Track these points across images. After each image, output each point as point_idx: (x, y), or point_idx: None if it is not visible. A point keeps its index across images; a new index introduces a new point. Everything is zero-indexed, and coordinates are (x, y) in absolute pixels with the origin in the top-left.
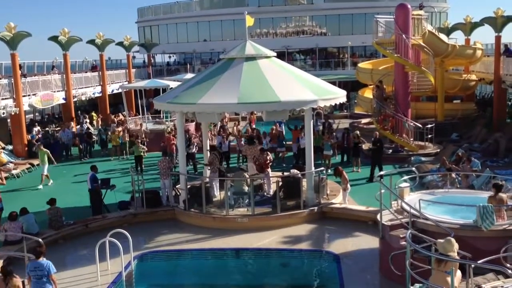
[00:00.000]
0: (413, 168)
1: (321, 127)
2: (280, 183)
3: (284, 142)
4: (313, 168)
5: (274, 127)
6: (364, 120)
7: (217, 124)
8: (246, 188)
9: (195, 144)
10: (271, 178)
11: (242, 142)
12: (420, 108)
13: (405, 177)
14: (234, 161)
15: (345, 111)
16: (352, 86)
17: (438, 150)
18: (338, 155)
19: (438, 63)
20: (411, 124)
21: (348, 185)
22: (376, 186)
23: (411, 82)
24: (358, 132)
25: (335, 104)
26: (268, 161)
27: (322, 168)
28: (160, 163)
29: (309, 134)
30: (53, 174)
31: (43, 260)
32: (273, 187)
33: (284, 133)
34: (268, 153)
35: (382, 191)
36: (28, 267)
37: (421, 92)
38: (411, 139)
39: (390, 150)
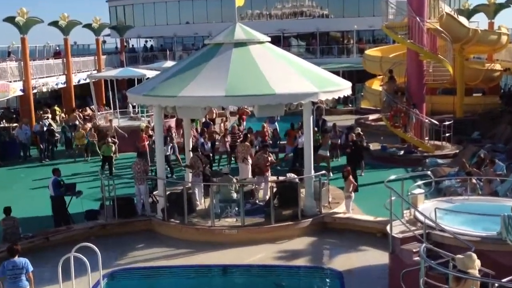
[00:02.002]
0: (428, 172)
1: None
2: (275, 189)
3: (278, 142)
4: (312, 171)
5: (264, 124)
6: (372, 116)
7: (209, 122)
8: (234, 195)
9: (170, 145)
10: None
11: (227, 142)
12: (437, 103)
13: (419, 182)
14: (221, 163)
15: (350, 105)
16: (358, 77)
17: (457, 151)
18: (341, 156)
19: (457, 50)
20: (426, 120)
21: (352, 192)
22: (385, 193)
23: (426, 73)
24: (359, 129)
25: (339, 98)
26: (269, 163)
27: (324, 172)
28: (134, 166)
29: (308, 132)
30: (8, 179)
31: (19, 258)
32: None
33: (278, 130)
34: (270, 153)
35: (392, 198)
36: (5, 266)
37: (438, 84)
38: (426, 138)
39: (402, 151)
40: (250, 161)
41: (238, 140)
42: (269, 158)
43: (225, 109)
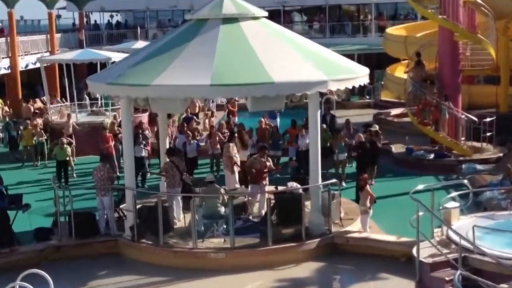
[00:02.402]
0: (465, 181)
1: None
2: (273, 202)
3: (281, 143)
4: (320, 179)
5: (263, 119)
6: (394, 111)
7: (190, 117)
8: (222, 209)
9: (143, 143)
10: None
11: (215, 143)
12: (475, 94)
13: (453, 194)
14: (205, 170)
15: (367, 97)
16: (377, 61)
17: (501, 154)
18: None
19: (501, 29)
20: (462, 116)
21: (371, 206)
22: (410, 207)
23: (463, 56)
24: (376, 127)
25: (353, 88)
26: (267, 169)
27: (334, 181)
28: (96, 173)
29: (315, 130)
30: None
31: None
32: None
33: (278, 129)
34: (269, 158)
35: (420, 213)
36: None
37: (477, 71)
38: (462, 139)
39: (432, 155)
40: (236, 168)
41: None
42: (267, 163)
43: (212, 101)
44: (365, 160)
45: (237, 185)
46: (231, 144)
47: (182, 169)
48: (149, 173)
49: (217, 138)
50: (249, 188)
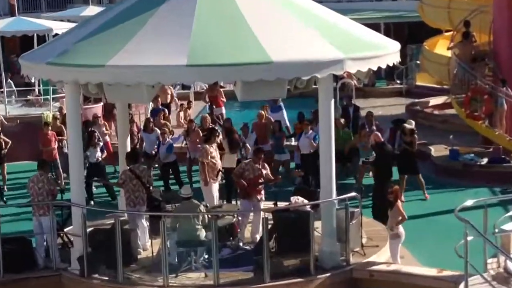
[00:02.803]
0: None
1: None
2: (271, 223)
3: (285, 143)
4: (334, 193)
5: (262, 112)
6: (434, 100)
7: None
8: (203, 233)
9: (99, 145)
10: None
11: (196, 142)
12: None
13: None
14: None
15: (398, 81)
16: (410, 34)
17: None
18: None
19: None
20: None
21: (401, 228)
22: (455, 229)
23: None
24: (412, 124)
25: (379, 69)
26: (262, 180)
27: (354, 194)
28: (32, 185)
29: (327, 127)
30: None
31: None
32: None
33: (283, 126)
34: (266, 164)
35: (469, 238)
36: None
37: None
38: None
39: (485, 159)
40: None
41: None
42: (263, 171)
43: (188, 88)
44: (383, 168)
45: (217, 200)
46: (206, 146)
47: (146, 180)
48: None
49: (198, 136)
50: (239, 205)
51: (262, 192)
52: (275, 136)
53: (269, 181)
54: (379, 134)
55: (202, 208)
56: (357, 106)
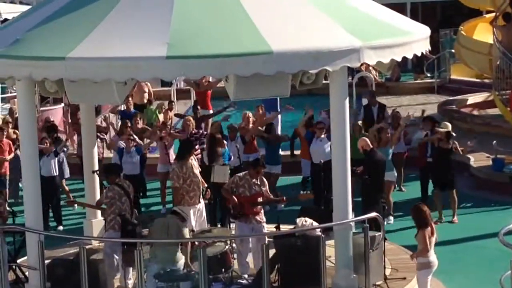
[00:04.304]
0: None
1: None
2: (273, 252)
3: (279, 151)
4: (350, 213)
5: (248, 113)
6: (472, 98)
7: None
8: (180, 263)
9: (62, 154)
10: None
11: (171, 153)
12: None
13: None
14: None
15: (428, 75)
16: (443, 16)
17: None
18: (411, 181)
19: None
20: None
21: (432, 256)
22: (499, 256)
23: None
24: (449, 126)
25: (405, 60)
26: (262, 198)
27: (374, 214)
28: None
29: (341, 130)
30: None
31: None
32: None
33: (280, 128)
34: (264, 179)
35: None
36: None
37: None
38: None
39: None
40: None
41: (198, 148)
42: (262, 189)
43: (169, 85)
44: (374, 181)
45: (206, 223)
46: (176, 169)
47: (129, 197)
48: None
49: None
50: (234, 228)
51: (262, 212)
52: (269, 143)
53: (270, 201)
54: (367, 140)
55: (185, 231)
56: (383, 105)
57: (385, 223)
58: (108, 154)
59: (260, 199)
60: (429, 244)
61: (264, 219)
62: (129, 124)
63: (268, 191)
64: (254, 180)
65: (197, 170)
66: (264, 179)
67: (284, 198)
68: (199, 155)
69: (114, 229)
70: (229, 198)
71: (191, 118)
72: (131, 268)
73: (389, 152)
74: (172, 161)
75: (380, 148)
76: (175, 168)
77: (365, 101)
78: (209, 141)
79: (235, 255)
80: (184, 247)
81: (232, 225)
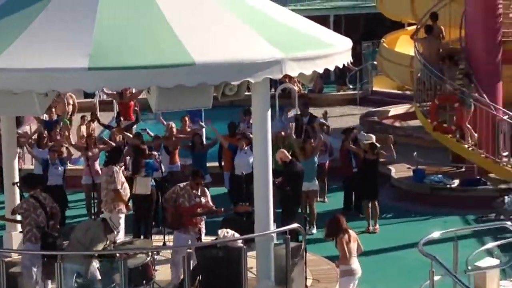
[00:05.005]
0: (508, 223)
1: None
2: (194, 264)
3: (205, 161)
4: (272, 225)
5: (172, 124)
6: (394, 109)
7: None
8: (97, 274)
9: None
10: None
11: (97, 165)
12: None
13: (490, 244)
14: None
15: (350, 86)
16: (366, 28)
17: None
18: (333, 192)
19: None
20: (505, 118)
21: (354, 264)
22: (420, 265)
23: (505, 20)
24: (373, 138)
25: (327, 72)
26: (201, 209)
27: (295, 225)
28: None
29: (264, 142)
30: None
31: None
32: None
33: (204, 137)
34: (206, 190)
35: (436, 278)
36: None
37: None
38: (504, 154)
39: (455, 181)
40: (122, 207)
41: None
42: (202, 200)
43: (92, 96)
44: (293, 192)
45: (122, 234)
46: (115, 168)
47: (49, 209)
48: None
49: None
50: (173, 238)
51: (203, 223)
52: (195, 154)
53: (210, 212)
54: (285, 152)
55: (100, 239)
56: (314, 116)
57: (307, 233)
58: (29, 165)
59: (199, 210)
60: (348, 251)
61: (204, 231)
62: (45, 135)
63: (209, 201)
64: (194, 191)
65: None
66: (206, 190)
67: (223, 209)
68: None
69: (31, 241)
70: (167, 208)
71: (120, 129)
72: (50, 281)
73: (315, 161)
74: (94, 174)
75: (304, 160)
76: (114, 168)
77: (292, 112)
78: (133, 152)
79: (156, 267)
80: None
81: (157, 236)
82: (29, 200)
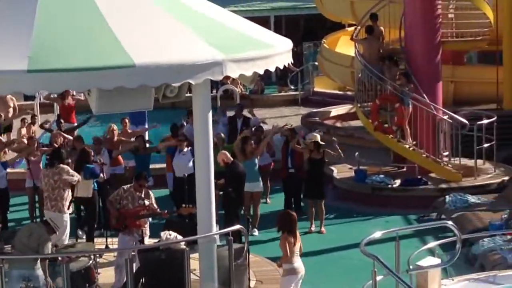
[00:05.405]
0: (449, 223)
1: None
2: (137, 266)
3: (149, 163)
4: (214, 226)
5: (113, 125)
6: (336, 110)
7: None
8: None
9: None
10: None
11: (40, 168)
12: (465, 80)
13: (431, 244)
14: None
15: (292, 87)
16: (307, 29)
17: (506, 178)
18: (276, 193)
19: None
20: (445, 117)
21: (297, 262)
22: (362, 265)
23: (444, 20)
24: (318, 136)
25: (267, 73)
26: (146, 211)
27: (238, 227)
28: None
29: (204, 142)
30: None
31: None
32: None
33: (148, 138)
34: (150, 192)
35: (378, 277)
36: None
37: (466, 44)
38: (445, 154)
39: (397, 181)
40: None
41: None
42: (145, 202)
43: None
44: (236, 193)
45: (67, 238)
46: (64, 166)
47: None
48: None
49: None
50: (118, 241)
51: (147, 225)
52: (138, 156)
53: (154, 213)
54: (227, 153)
55: (45, 240)
56: (248, 118)
57: (250, 235)
58: None
59: (143, 212)
60: (290, 250)
61: (148, 233)
62: None
63: (154, 204)
64: (138, 193)
65: None
66: (150, 192)
67: (166, 211)
68: None
69: None
70: (110, 210)
71: (61, 132)
72: None
73: (255, 163)
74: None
75: (245, 161)
76: (64, 167)
77: (231, 113)
78: (78, 154)
79: (99, 270)
80: (43, 261)
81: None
82: None
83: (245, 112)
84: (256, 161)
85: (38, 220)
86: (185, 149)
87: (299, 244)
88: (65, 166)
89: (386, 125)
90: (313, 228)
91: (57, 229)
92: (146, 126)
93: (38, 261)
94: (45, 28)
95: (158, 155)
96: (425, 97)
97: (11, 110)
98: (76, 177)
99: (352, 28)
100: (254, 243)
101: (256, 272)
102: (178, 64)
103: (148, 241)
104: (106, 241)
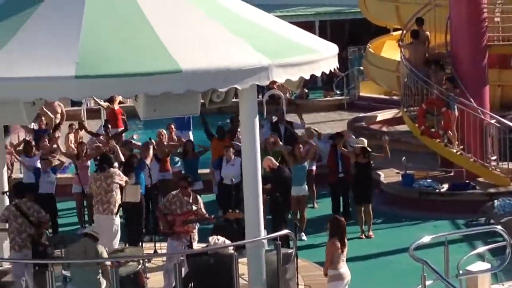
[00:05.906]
0: (498, 227)
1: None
2: (185, 271)
3: (197, 168)
4: (262, 231)
5: (162, 131)
6: (381, 115)
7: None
8: (103, 284)
9: None
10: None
11: (88, 174)
12: None
13: (481, 249)
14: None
15: (337, 92)
16: (351, 33)
17: None
18: (324, 198)
19: None
20: (492, 122)
21: (343, 268)
22: (411, 270)
23: (490, 23)
24: (364, 142)
25: (313, 78)
26: (194, 216)
27: (286, 232)
28: None
29: (252, 149)
30: None
31: None
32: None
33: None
34: (199, 197)
35: (428, 282)
36: None
37: None
38: (493, 158)
39: (445, 186)
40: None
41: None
42: (193, 207)
43: (79, 104)
44: (283, 198)
45: (117, 242)
46: (115, 170)
47: (35, 218)
48: None
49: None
50: (167, 246)
51: (195, 231)
52: (186, 160)
53: (202, 219)
54: (272, 159)
55: (101, 250)
56: (290, 122)
57: (298, 239)
58: (18, 174)
59: (192, 217)
60: (334, 256)
61: (197, 238)
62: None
63: (202, 209)
64: (186, 198)
65: None
66: (199, 197)
67: (213, 216)
68: None
69: (15, 249)
70: (159, 216)
71: (102, 139)
72: None
73: (305, 167)
74: (85, 183)
75: (296, 165)
76: (116, 170)
77: (274, 118)
78: (126, 159)
79: (147, 275)
80: (105, 271)
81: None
82: (10, 207)
83: (290, 117)
84: (306, 165)
85: (86, 225)
86: (233, 157)
87: (346, 249)
88: (116, 170)
89: (432, 130)
90: (363, 236)
91: (98, 235)
92: (191, 132)
93: (100, 277)
94: (92, 34)
95: (208, 160)
96: (472, 101)
97: (58, 115)
98: (125, 179)
99: (397, 33)
100: (303, 248)
101: (304, 277)
102: (225, 69)
103: (197, 246)
104: (155, 246)
